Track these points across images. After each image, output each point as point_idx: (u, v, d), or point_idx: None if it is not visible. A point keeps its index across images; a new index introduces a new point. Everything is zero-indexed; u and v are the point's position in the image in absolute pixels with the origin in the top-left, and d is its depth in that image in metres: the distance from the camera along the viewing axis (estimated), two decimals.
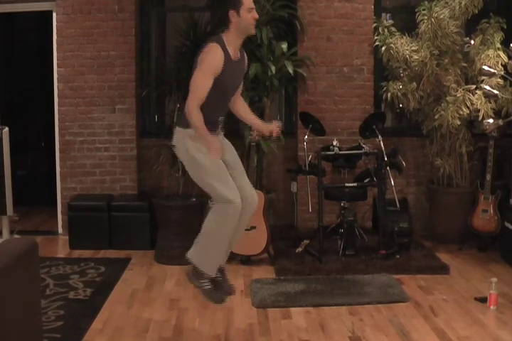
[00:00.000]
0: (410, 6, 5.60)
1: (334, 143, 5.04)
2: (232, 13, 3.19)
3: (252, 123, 3.63)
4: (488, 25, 5.17)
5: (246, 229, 4.68)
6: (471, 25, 5.27)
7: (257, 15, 3.26)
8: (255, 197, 3.39)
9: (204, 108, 3.16)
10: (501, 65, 4.95)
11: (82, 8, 5.54)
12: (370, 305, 3.95)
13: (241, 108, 3.60)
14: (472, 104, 5.00)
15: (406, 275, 4.55)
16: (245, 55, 3.44)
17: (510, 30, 5.33)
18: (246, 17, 3.21)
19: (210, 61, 3.15)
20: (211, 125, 3.21)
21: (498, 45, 5.02)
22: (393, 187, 4.84)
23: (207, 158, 3.19)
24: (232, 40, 3.24)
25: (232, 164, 3.36)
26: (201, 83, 3.14)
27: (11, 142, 5.16)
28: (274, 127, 3.52)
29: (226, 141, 3.48)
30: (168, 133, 5.18)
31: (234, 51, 3.25)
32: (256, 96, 5.30)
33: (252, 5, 3.25)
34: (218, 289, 3.37)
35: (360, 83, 5.60)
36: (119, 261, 4.95)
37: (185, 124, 3.22)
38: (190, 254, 3.33)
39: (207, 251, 3.29)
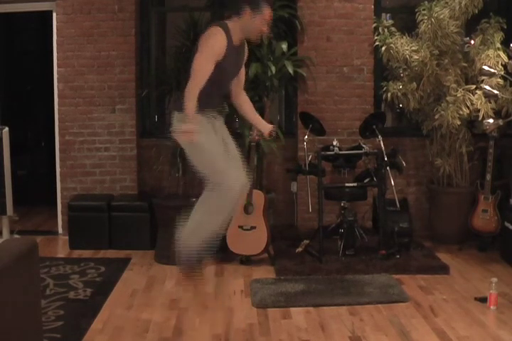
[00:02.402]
0: (410, 6, 5.59)
1: (334, 143, 5.05)
2: (247, 11, 3.17)
3: (255, 121, 3.61)
4: (488, 25, 5.17)
5: (246, 229, 4.70)
6: (471, 25, 5.27)
7: (266, 30, 3.24)
8: (247, 181, 3.36)
9: (201, 91, 3.12)
10: (501, 65, 4.95)
11: (82, 8, 5.54)
12: (370, 305, 3.95)
13: (245, 103, 3.57)
14: (472, 104, 5.00)
15: (406, 275, 4.55)
16: (246, 44, 3.41)
17: (510, 30, 5.33)
18: (257, 24, 3.19)
19: (214, 45, 3.12)
20: (206, 106, 3.18)
21: (498, 45, 5.02)
22: (393, 187, 4.84)
23: (205, 136, 3.16)
24: (236, 31, 3.22)
25: (226, 145, 3.35)
26: (203, 67, 3.11)
27: (11, 142, 5.17)
28: (272, 128, 3.52)
29: (221, 122, 3.44)
30: (168, 133, 5.23)
31: (236, 39, 3.23)
32: (256, 96, 5.29)
33: (269, 20, 3.23)
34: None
35: (360, 83, 5.60)
36: (119, 261, 4.95)
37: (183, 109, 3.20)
38: (182, 233, 3.29)
39: (198, 230, 3.27)
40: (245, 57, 3.47)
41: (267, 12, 3.21)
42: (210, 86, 3.16)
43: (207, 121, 3.29)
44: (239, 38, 3.27)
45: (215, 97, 3.32)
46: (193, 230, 3.29)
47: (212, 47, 3.12)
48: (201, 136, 3.15)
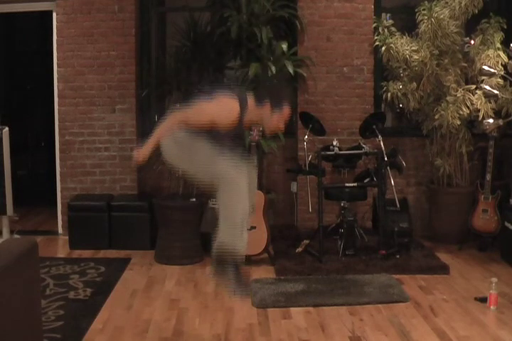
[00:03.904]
0: (410, 6, 5.60)
1: (334, 143, 5.04)
2: (267, 106, 3.08)
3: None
4: (488, 25, 5.17)
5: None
6: (471, 25, 5.27)
7: (282, 127, 3.16)
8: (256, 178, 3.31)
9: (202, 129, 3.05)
10: (501, 65, 4.96)
11: (82, 8, 5.54)
12: (370, 305, 3.95)
13: None
14: (472, 104, 5.00)
15: (406, 275, 4.55)
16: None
17: (510, 30, 5.33)
18: (274, 121, 3.12)
19: (222, 112, 3.01)
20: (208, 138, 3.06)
21: (498, 45, 5.02)
22: (393, 187, 4.84)
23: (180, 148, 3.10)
24: (251, 114, 3.09)
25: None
26: (199, 120, 3.01)
27: (11, 142, 5.17)
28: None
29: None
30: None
31: (248, 120, 3.11)
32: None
33: (287, 120, 3.16)
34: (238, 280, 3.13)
35: (360, 83, 5.60)
36: (119, 261, 4.95)
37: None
38: (218, 242, 3.08)
39: (230, 232, 3.05)
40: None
41: (286, 111, 3.13)
42: (208, 132, 3.06)
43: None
44: (250, 119, 3.15)
45: (219, 138, 3.14)
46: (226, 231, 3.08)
47: (220, 113, 2.99)
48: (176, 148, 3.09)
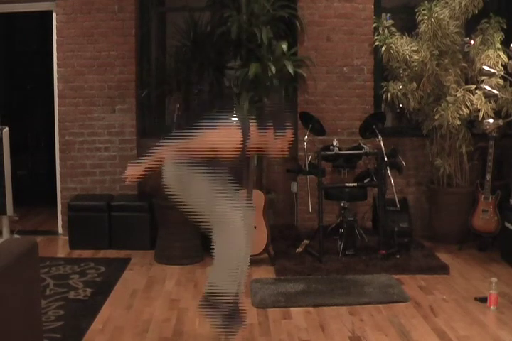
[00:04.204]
0: (410, 6, 5.60)
1: (334, 143, 5.05)
2: (270, 131, 3.04)
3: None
4: (488, 25, 5.17)
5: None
6: (471, 25, 5.27)
7: (287, 150, 3.12)
8: (253, 215, 3.29)
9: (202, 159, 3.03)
10: (501, 65, 4.95)
11: (82, 8, 5.54)
12: (370, 305, 3.95)
13: None
14: (472, 104, 5.00)
15: (406, 275, 4.55)
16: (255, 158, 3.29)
17: (510, 30, 5.33)
18: (278, 145, 3.08)
19: (224, 140, 2.98)
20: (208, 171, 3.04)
21: (498, 45, 5.02)
22: (393, 187, 4.84)
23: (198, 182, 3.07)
24: (254, 141, 3.07)
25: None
26: (201, 149, 2.99)
27: (11, 142, 5.17)
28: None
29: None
30: (168, 133, 5.23)
31: (251, 146, 3.08)
32: (256, 96, 5.30)
33: (290, 143, 3.13)
34: (231, 319, 3.15)
35: (360, 83, 5.60)
36: (119, 261, 4.95)
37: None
38: (209, 285, 3.12)
39: (223, 277, 3.08)
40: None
41: (289, 134, 3.10)
42: (209, 162, 3.04)
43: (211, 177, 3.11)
44: (254, 148, 3.12)
45: (216, 169, 3.12)
46: (217, 273, 3.12)
47: (222, 141, 2.96)
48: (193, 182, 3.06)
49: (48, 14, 5.79)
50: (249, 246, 3.21)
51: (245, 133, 3.01)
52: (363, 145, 5.00)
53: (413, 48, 5.17)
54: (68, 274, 4.56)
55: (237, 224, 2.99)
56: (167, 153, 3.01)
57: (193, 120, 3.13)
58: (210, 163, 3.02)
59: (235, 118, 3.07)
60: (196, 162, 3.02)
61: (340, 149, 5.01)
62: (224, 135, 2.98)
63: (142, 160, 3.09)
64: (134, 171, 3.09)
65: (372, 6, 5.55)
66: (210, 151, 2.97)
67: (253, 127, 3.07)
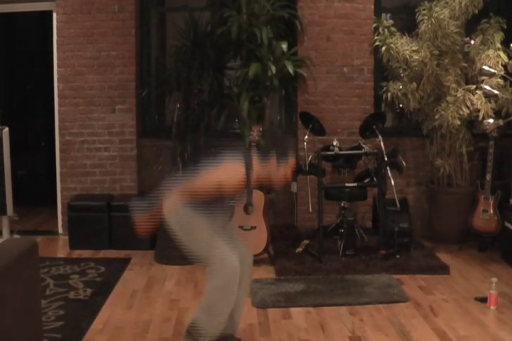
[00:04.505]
0: (410, 6, 5.59)
1: (334, 143, 5.05)
2: (273, 160, 3.07)
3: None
4: (488, 25, 5.17)
5: (246, 229, 4.70)
6: (471, 25, 5.27)
7: (290, 177, 3.14)
8: (250, 255, 3.31)
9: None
10: (501, 65, 4.95)
11: (82, 8, 5.54)
12: (370, 305, 3.95)
13: None
14: (472, 104, 5.00)
15: (406, 275, 4.55)
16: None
17: (510, 30, 5.33)
18: (281, 174, 3.10)
19: (227, 181, 3.00)
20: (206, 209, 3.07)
21: (498, 45, 5.02)
22: (393, 187, 4.84)
23: (196, 222, 3.08)
24: (257, 173, 3.09)
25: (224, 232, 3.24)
26: (206, 187, 2.99)
27: (11, 142, 5.17)
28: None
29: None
30: (168, 133, 5.23)
31: (254, 178, 3.11)
32: (256, 96, 5.30)
33: (293, 168, 3.15)
34: None
35: (360, 83, 5.60)
36: (119, 261, 4.95)
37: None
38: (194, 320, 3.16)
39: (209, 318, 3.11)
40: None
41: (291, 161, 3.12)
42: (210, 199, 3.06)
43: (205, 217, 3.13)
44: (258, 176, 3.14)
45: (218, 208, 3.16)
46: (205, 316, 3.13)
47: (226, 177, 3.00)
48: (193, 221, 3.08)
49: (48, 14, 5.79)
50: (248, 280, 3.32)
51: (248, 166, 3.04)
52: (363, 145, 5.00)
53: (413, 48, 5.17)
54: (68, 274, 4.56)
55: (234, 268, 3.03)
56: (173, 201, 3.03)
57: (193, 160, 3.14)
58: (213, 201, 3.05)
59: (237, 154, 3.11)
60: (200, 203, 3.03)
61: (340, 149, 5.01)
62: (227, 171, 3.01)
63: (148, 209, 3.10)
64: (144, 225, 3.11)
65: (372, 6, 5.55)
66: (215, 188, 3.00)
67: (255, 160, 3.10)
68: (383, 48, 5.32)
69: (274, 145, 3.14)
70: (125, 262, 4.91)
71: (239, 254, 3.11)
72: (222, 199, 3.09)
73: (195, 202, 3.03)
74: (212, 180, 2.98)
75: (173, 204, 3.05)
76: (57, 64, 5.63)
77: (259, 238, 4.74)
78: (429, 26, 5.03)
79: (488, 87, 4.81)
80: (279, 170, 3.09)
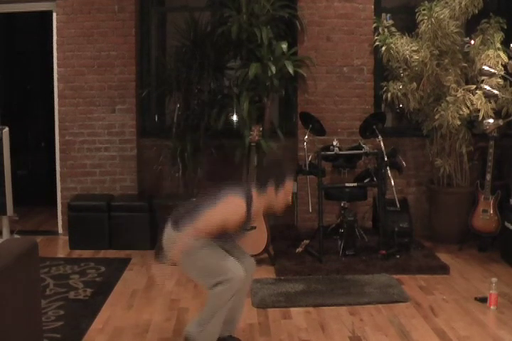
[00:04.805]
0: (410, 6, 5.60)
1: (334, 143, 5.04)
2: (271, 189, 3.10)
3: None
4: (488, 25, 5.17)
5: (246, 229, 4.69)
6: (471, 25, 5.27)
7: (290, 202, 3.18)
8: (253, 263, 3.33)
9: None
10: (501, 65, 4.95)
11: (82, 8, 5.54)
12: (370, 305, 3.95)
13: None
14: (472, 104, 5.00)
15: (406, 275, 4.55)
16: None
17: (510, 30, 5.33)
18: (281, 198, 3.13)
19: (230, 217, 3.04)
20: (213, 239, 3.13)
21: (498, 45, 5.02)
22: (393, 187, 4.83)
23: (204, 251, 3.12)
24: (258, 206, 3.14)
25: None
26: (209, 228, 3.02)
27: (11, 142, 5.17)
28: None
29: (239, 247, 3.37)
30: (168, 133, 5.24)
31: (255, 209, 3.15)
32: (256, 97, 5.30)
33: (292, 190, 3.18)
34: None
35: (360, 83, 5.60)
36: (119, 261, 4.95)
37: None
38: (191, 327, 3.21)
39: (208, 325, 3.14)
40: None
41: (289, 185, 3.14)
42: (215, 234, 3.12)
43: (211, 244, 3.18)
44: (258, 210, 3.20)
45: (223, 237, 3.20)
46: (204, 323, 3.16)
47: (228, 219, 3.03)
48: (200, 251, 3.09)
49: (47, 14, 5.79)
50: (249, 287, 3.39)
51: (249, 200, 3.07)
52: (363, 145, 4.99)
53: (413, 48, 5.16)
54: (68, 274, 4.56)
55: (240, 279, 3.06)
56: (183, 246, 3.02)
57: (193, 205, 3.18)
58: (219, 236, 3.09)
59: (237, 189, 3.14)
60: (206, 239, 3.07)
61: (340, 149, 5.01)
62: (228, 208, 3.04)
63: (164, 259, 3.08)
64: (162, 274, 3.12)
65: (372, 6, 5.55)
66: (219, 226, 3.03)
67: (254, 192, 3.13)
68: (383, 48, 5.32)
69: (270, 176, 3.15)
70: (125, 262, 4.91)
71: (243, 263, 3.16)
72: (228, 234, 3.14)
73: (202, 239, 3.06)
74: (215, 220, 3.01)
75: (185, 246, 3.04)
76: (57, 64, 5.63)
77: (259, 238, 4.74)
78: (429, 26, 5.03)
79: (488, 87, 4.81)
80: (277, 196, 3.13)
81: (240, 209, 3.04)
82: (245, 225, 3.19)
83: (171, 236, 3.10)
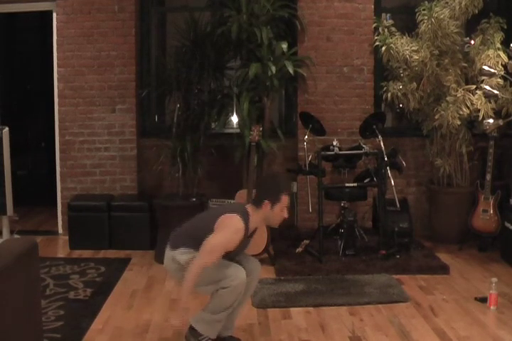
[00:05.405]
0: (410, 6, 5.60)
1: (334, 143, 5.04)
2: (266, 204, 3.12)
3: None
4: (488, 25, 5.17)
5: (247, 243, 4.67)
6: (471, 25, 5.27)
7: (287, 215, 3.21)
8: (258, 265, 3.34)
9: None
10: (501, 65, 4.95)
11: (82, 8, 5.55)
12: (370, 305, 3.95)
13: None
14: (472, 104, 5.00)
15: (406, 275, 4.55)
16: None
17: (510, 30, 5.34)
18: (277, 214, 3.16)
19: (231, 240, 3.06)
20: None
21: (498, 45, 5.02)
22: (393, 187, 4.84)
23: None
24: (255, 222, 3.17)
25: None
26: (214, 254, 3.02)
27: (11, 142, 5.17)
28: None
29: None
30: (168, 133, 5.23)
31: (252, 227, 3.19)
32: (256, 96, 5.30)
33: (288, 204, 3.19)
34: None
35: (360, 83, 5.60)
36: (119, 261, 4.95)
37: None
38: (194, 320, 3.25)
39: (211, 319, 3.21)
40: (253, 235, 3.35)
41: (284, 199, 3.15)
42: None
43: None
44: (256, 225, 3.23)
45: (227, 256, 3.20)
46: (207, 317, 3.23)
47: (230, 242, 3.05)
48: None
49: (47, 14, 5.79)
50: (253, 289, 3.38)
51: (245, 218, 3.09)
52: (363, 145, 4.99)
53: (413, 48, 5.17)
54: (68, 274, 4.56)
55: (243, 283, 3.08)
56: (193, 279, 3.02)
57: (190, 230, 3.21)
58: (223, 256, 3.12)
59: (233, 208, 3.19)
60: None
61: (340, 149, 5.01)
62: (228, 231, 3.05)
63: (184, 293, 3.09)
64: (182, 320, 3.10)
65: (372, 6, 5.55)
66: (223, 251, 3.05)
67: (250, 209, 3.16)
68: (383, 48, 5.32)
69: (266, 192, 3.17)
70: (125, 262, 4.92)
71: (247, 267, 3.18)
72: (231, 253, 3.15)
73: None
74: (219, 250, 3.02)
75: (194, 281, 3.05)
76: (57, 64, 5.63)
77: (259, 238, 4.73)
78: (429, 26, 5.03)
79: (488, 87, 4.81)
80: (273, 211, 3.15)
81: (238, 229, 3.05)
82: (246, 242, 3.21)
83: (174, 264, 3.17)
